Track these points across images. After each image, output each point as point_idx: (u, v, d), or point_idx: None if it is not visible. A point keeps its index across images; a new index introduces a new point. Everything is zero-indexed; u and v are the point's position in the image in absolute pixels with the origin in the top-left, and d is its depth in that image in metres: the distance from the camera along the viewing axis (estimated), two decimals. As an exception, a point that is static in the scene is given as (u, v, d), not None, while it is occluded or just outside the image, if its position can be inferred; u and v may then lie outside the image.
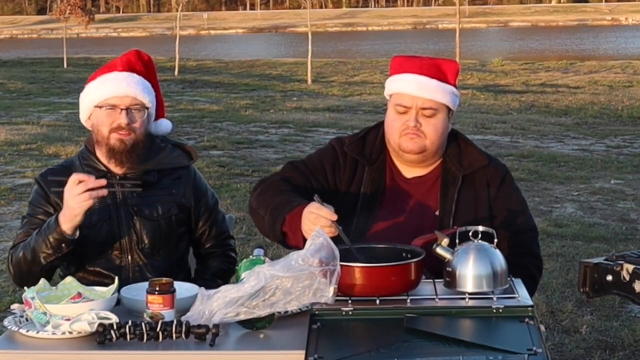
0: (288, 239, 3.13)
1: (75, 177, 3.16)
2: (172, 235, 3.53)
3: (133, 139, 3.41)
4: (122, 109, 3.39)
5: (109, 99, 3.40)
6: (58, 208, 3.34)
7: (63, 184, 3.24)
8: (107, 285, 2.97)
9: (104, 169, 3.46)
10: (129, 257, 3.46)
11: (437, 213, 3.31)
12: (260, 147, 13.12)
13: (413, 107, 3.29)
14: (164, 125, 3.61)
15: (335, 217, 2.92)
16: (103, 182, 3.15)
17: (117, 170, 3.47)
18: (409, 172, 3.40)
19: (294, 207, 3.10)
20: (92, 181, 3.15)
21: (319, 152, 3.49)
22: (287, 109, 18.33)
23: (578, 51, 40.73)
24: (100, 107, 3.41)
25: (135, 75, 3.45)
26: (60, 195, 3.28)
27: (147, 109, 3.46)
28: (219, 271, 3.61)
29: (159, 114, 3.59)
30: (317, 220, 2.93)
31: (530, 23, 74.02)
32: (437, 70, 3.33)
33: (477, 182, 3.36)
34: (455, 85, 3.37)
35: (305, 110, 18.05)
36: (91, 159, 3.49)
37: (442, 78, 3.33)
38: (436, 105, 3.30)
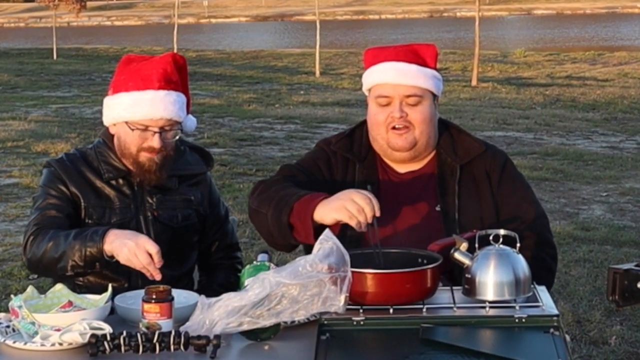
0: (295, 232, 3.12)
1: (153, 247, 3.10)
2: (187, 244, 3.57)
3: (163, 155, 3.43)
4: (154, 132, 3.40)
5: (142, 120, 3.40)
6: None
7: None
8: (113, 288, 2.97)
9: (123, 168, 3.50)
10: None
11: (438, 208, 3.32)
12: (265, 144, 13.13)
13: (395, 97, 3.32)
14: (188, 125, 3.59)
15: (379, 213, 2.94)
16: (159, 276, 3.08)
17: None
18: (401, 167, 3.42)
19: (301, 196, 3.11)
20: (154, 267, 3.08)
21: (310, 154, 3.53)
22: (294, 103, 18.33)
23: (607, 41, 40.64)
24: (131, 126, 3.41)
25: (172, 93, 3.42)
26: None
27: (179, 123, 3.47)
28: (225, 283, 3.62)
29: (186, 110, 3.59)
30: (365, 201, 2.93)
31: (555, 10, 73.89)
32: (414, 55, 3.37)
33: (476, 172, 3.39)
34: (436, 69, 3.39)
35: (312, 104, 18.05)
36: (110, 155, 3.51)
37: (421, 62, 3.36)
38: (420, 91, 3.32)
